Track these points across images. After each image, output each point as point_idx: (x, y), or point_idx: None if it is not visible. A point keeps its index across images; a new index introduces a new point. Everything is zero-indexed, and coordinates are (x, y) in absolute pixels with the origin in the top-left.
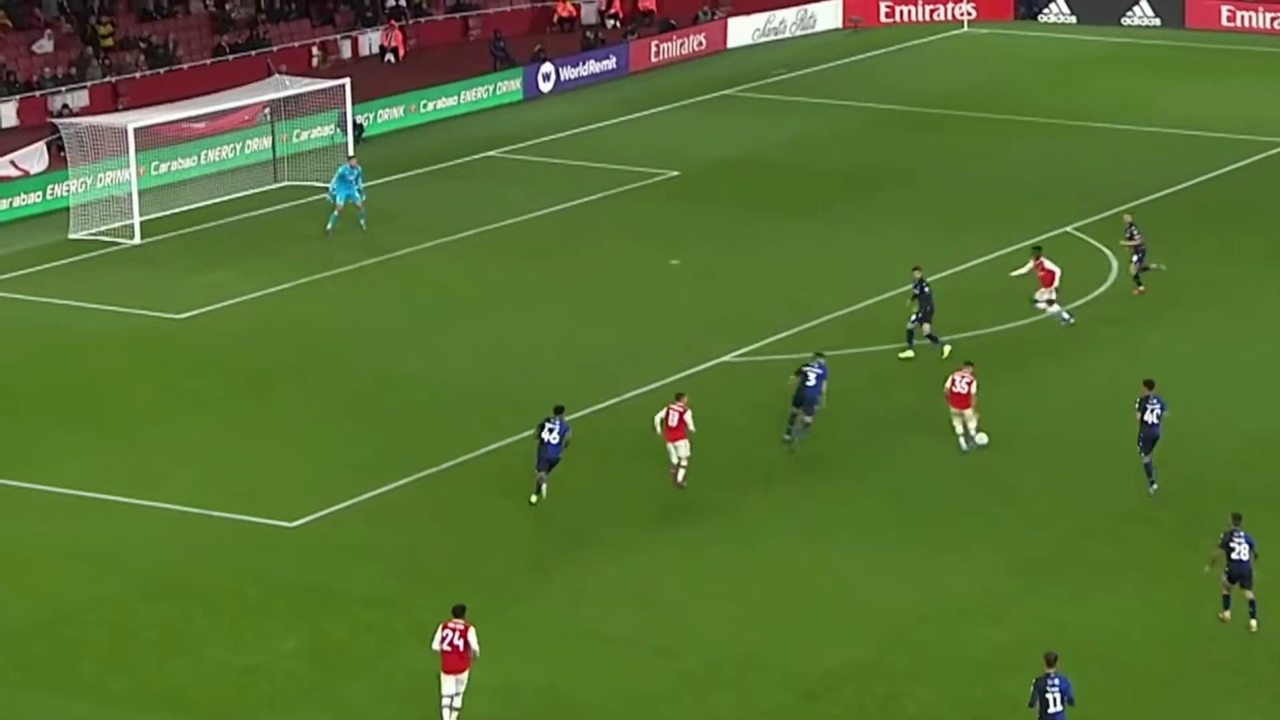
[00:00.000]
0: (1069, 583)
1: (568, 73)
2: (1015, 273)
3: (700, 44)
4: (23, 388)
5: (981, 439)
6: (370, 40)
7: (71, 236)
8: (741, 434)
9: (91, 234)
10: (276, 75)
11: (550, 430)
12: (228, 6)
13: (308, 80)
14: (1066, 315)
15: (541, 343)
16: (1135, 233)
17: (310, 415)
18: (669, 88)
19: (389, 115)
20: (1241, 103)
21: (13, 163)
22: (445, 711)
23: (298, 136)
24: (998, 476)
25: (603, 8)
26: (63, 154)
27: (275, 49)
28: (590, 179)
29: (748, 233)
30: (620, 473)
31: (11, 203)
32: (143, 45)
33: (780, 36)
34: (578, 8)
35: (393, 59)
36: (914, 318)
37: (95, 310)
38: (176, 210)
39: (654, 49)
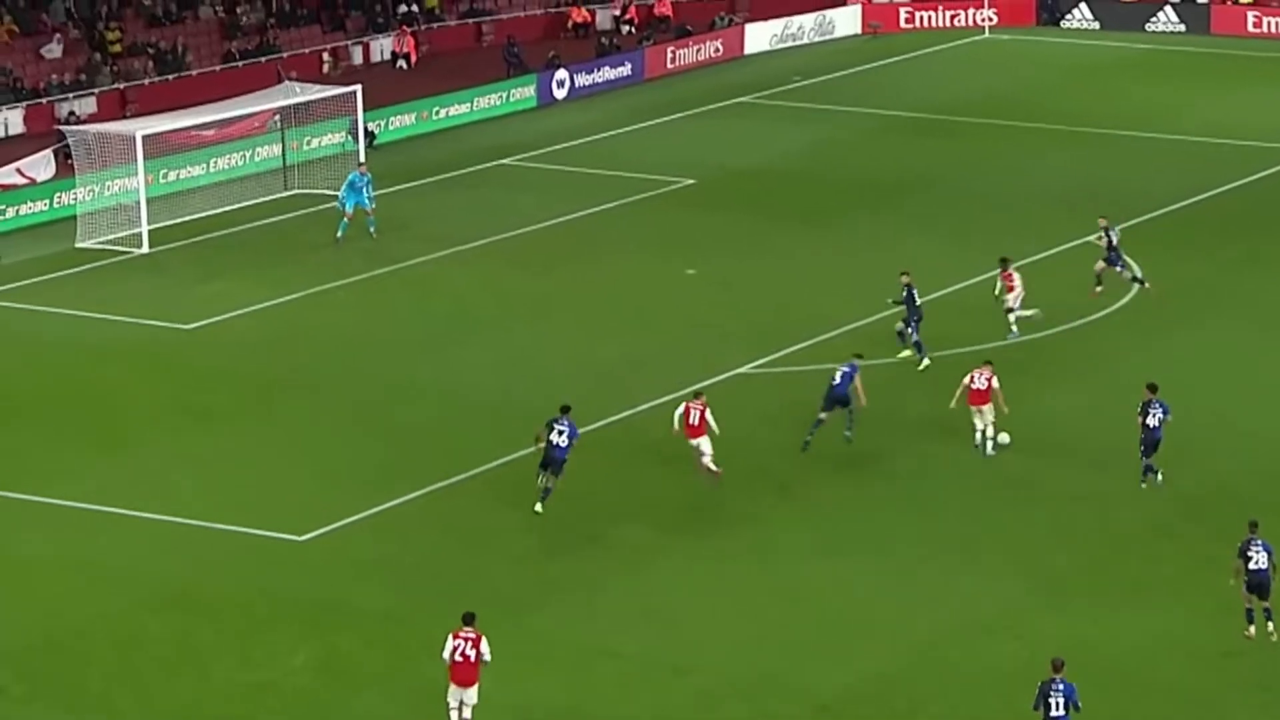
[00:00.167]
0: (1092, 599)
1: (582, 79)
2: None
3: (717, 50)
4: (28, 398)
5: (1004, 438)
6: (382, 46)
7: (78, 245)
8: (758, 446)
9: (99, 243)
10: (287, 82)
11: (560, 432)
12: (239, 11)
13: (318, 87)
14: (1014, 330)
15: (555, 353)
16: (1110, 235)
17: (320, 427)
18: (685, 94)
19: (401, 122)
20: (1267, 110)
21: (19, 170)
22: (453, 713)
23: (308, 144)
24: (1019, 489)
25: (618, 13)
26: (70, 161)
27: (285, 55)
28: (605, 187)
29: (764, 242)
30: (635, 485)
31: (18, 211)
32: (151, 51)
33: (798, 42)
34: (592, 13)
35: (405, 65)
36: (908, 324)
37: (102, 320)
38: (185, 219)
39: (670, 55)
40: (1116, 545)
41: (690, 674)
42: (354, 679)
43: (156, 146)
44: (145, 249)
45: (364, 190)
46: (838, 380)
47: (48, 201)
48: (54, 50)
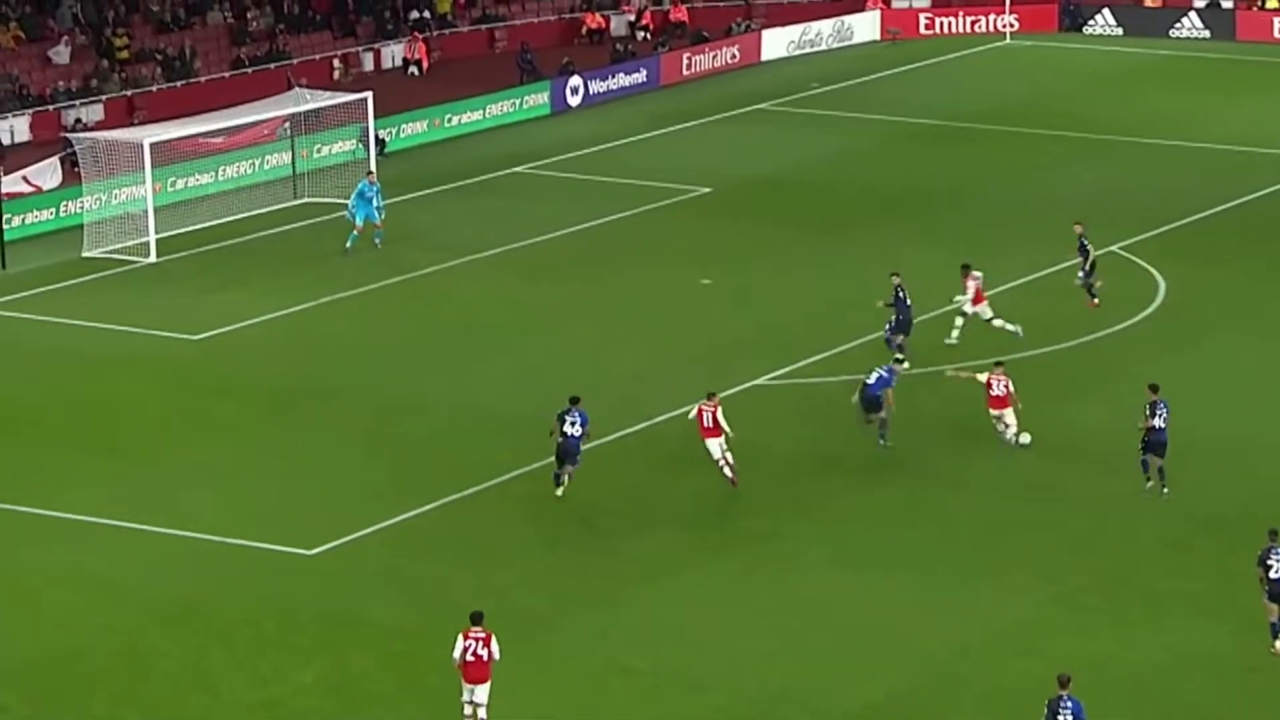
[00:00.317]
0: (1114, 614)
1: (596, 86)
2: (964, 302)
3: (733, 56)
4: (34, 410)
5: (1025, 439)
6: (393, 53)
7: (85, 254)
8: (774, 458)
9: (106, 252)
10: (296, 89)
11: (572, 423)
12: (248, 17)
13: (329, 94)
14: (955, 335)
15: (568, 364)
16: (1086, 244)
17: (330, 439)
18: (701, 102)
19: (412, 130)
20: None
21: (25, 178)
22: (467, 706)
23: (318, 152)
24: (1039, 502)
25: (633, 19)
26: (76, 169)
27: (295, 61)
28: (619, 196)
29: (781, 252)
30: (650, 499)
31: (24, 220)
32: (159, 57)
33: (816, 49)
34: (607, 19)
35: (416, 72)
36: (888, 326)
37: (109, 331)
38: (193, 228)
39: (685, 62)
40: (1137, 559)
41: (706, 690)
42: (365, 696)
43: (164, 154)
44: (153, 258)
45: (374, 200)
46: (872, 380)
47: (54, 210)
48: (61, 55)
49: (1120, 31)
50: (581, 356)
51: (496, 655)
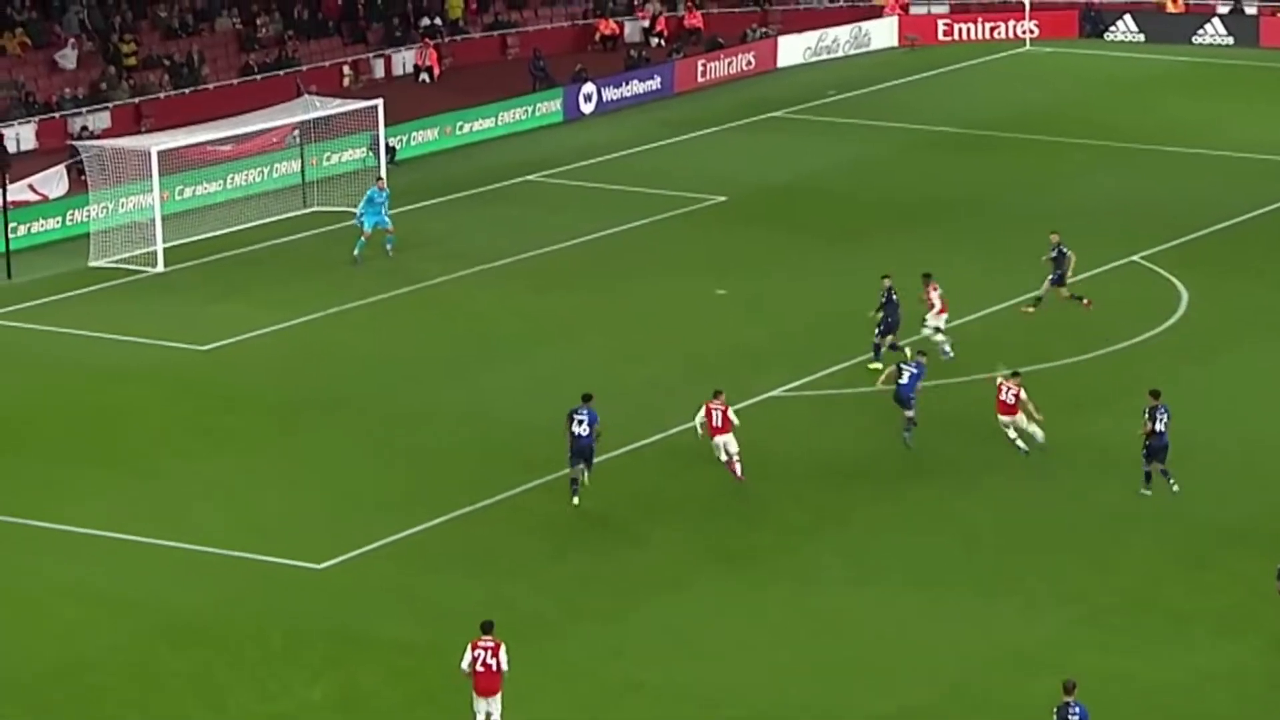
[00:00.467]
0: (1138, 632)
1: (610, 93)
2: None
3: (749, 63)
4: (40, 421)
5: (1038, 434)
6: (404, 59)
7: (92, 264)
8: (791, 471)
9: (112, 262)
10: (306, 96)
11: (580, 421)
12: (258, 23)
13: (339, 101)
14: (949, 349)
15: (581, 376)
16: (1063, 251)
17: (339, 451)
18: (716, 109)
19: (423, 138)
20: None
21: (31, 187)
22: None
23: (328, 160)
24: (1060, 517)
25: (647, 25)
26: (83, 178)
27: (305, 68)
28: (633, 204)
29: (798, 261)
30: (664, 511)
31: (30, 228)
32: (167, 64)
33: (833, 55)
34: (621, 25)
35: (427, 79)
36: (878, 330)
37: (115, 341)
38: (201, 237)
39: (700, 68)
40: (1160, 575)
41: (720, 706)
42: (373, 713)
43: (172, 162)
44: (160, 268)
45: (383, 207)
46: (905, 380)
47: (60, 219)
48: (67, 62)
49: (1142, 38)
50: (594, 367)
51: (505, 666)
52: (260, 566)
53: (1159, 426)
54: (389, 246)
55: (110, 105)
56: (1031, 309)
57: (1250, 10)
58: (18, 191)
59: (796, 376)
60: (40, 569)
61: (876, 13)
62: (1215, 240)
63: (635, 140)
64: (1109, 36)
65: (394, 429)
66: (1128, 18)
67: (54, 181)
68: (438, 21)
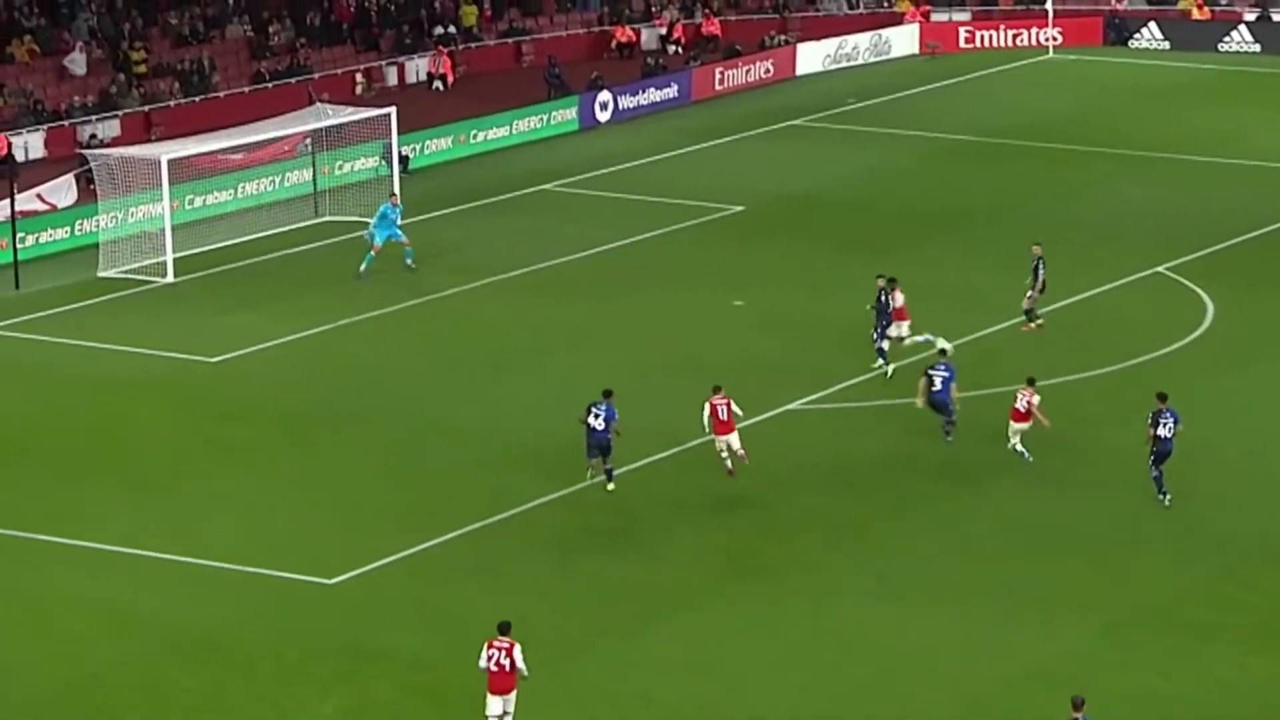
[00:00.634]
0: (1161, 649)
1: (626, 101)
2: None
3: (767, 71)
4: (48, 434)
5: (1020, 447)
6: (417, 67)
7: (101, 274)
8: (809, 486)
9: (122, 272)
10: (318, 104)
11: (597, 416)
12: (270, 30)
13: (351, 109)
14: (943, 342)
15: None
16: (1040, 265)
17: (350, 465)
18: (734, 117)
19: (437, 146)
20: None
21: (39, 196)
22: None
23: (340, 169)
24: (1083, 531)
25: (664, 32)
26: (92, 187)
27: (317, 76)
28: (650, 214)
29: (817, 272)
30: (681, 526)
31: (38, 238)
32: (178, 71)
33: (853, 63)
34: (637, 32)
35: (441, 87)
36: (876, 331)
37: (124, 353)
38: (211, 247)
39: (718, 76)
40: (1183, 590)
41: None
42: None
43: (182, 171)
44: (170, 278)
45: (395, 222)
46: (939, 386)
47: (69, 229)
48: (79, 58)
49: (1167, 45)
50: (609, 380)
51: (521, 667)
52: (272, 581)
53: (1164, 432)
54: (409, 260)
55: (120, 113)
56: (1033, 325)
57: (1277, 17)
58: (26, 201)
59: (814, 389)
60: (50, 583)
61: (897, 20)
62: (1242, 251)
63: (652, 149)
64: (1133, 44)
65: (406, 441)
66: (1152, 25)
67: (63, 191)
68: (451, 30)
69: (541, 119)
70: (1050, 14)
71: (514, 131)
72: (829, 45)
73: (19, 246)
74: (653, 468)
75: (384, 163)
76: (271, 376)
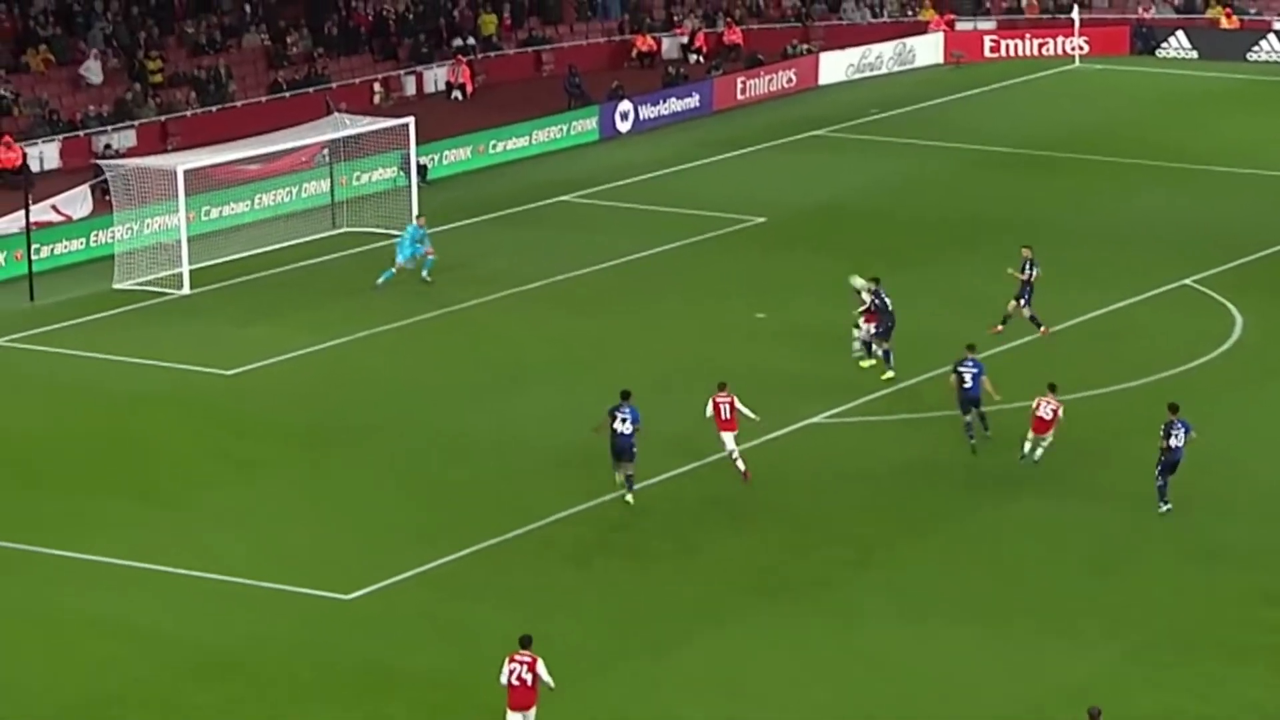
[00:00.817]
0: (1195, 670)
1: (647, 111)
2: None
3: (790, 80)
4: (63, 448)
5: (1038, 454)
6: (436, 76)
7: (116, 286)
8: (832, 502)
9: (137, 284)
10: (336, 114)
11: (623, 420)
12: (288, 40)
13: (369, 119)
14: (858, 347)
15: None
16: (1030, 268)
17: (368, 479)
18: (756, 127)
19: (455, 156)
20: None
21: (54, 207)
22: None
23: (358, 179)
24: (1111, 549)
25: (685, 41)
26: (107, 198)
27: (334, 85)
28: (670, 225)
29: (839, 284)
30: (703, 542)
31: (53, 250)
32: (195, 79)
33: (876, 73)
34: (658, 41)
35: (460, 96)
36: (874, 332)
37: (140, 366)
38: (228, 258)
39: (740, 86)
40: (1214, 610)
41: None
42: None
43: (199, 182)
44: (186, 290)
45: (420, 243)
46: (969, 383)
47: (84, 240)
48: (94, 66)
49: (1195, 54)
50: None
51: (547, 679)
52: (287, 597)
53: (1174, 442)
54: (426, 274)
55: (136, 123)
56: (1044, 328)
57: None
58: (41, 212)
59: (837, 402)
60: (63, 600)
61: (921, 29)
62: (1271, 263)
63: (673, 160)
64: (1161, 53)
65: (424, 455)
66: (1180, 34)
67: (78, 202)
68: (469, 41)
69: (561, 129)
70: (1076, 23)
71: (533, 142)
72: (852, 54)
73: (33, 258)
74: (673, 481)
75: (402, 173)
76: (288, 389)
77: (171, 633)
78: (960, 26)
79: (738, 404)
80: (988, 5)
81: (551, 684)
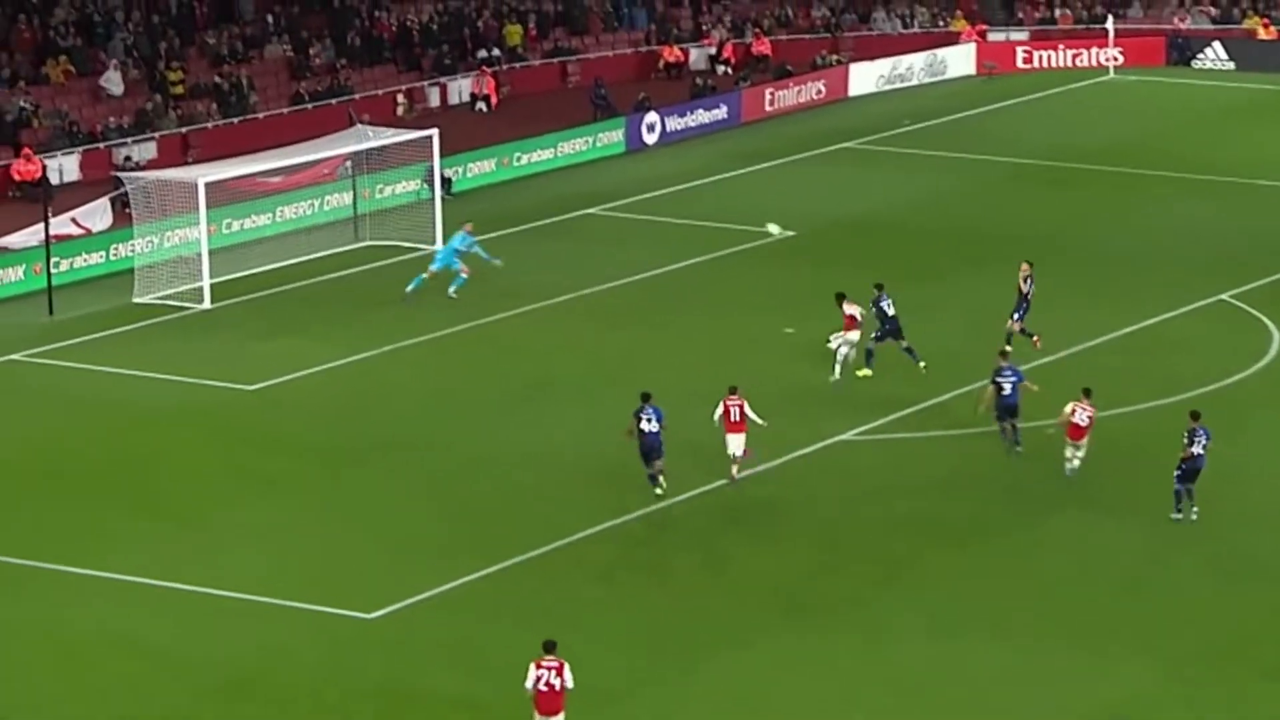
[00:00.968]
0: (1229, 688)
1: (674, 123)
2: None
3: (819, 92)
4: (82, 464)
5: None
6: (460, 87)
7: (136, 300)
8: (861, 519)
9: (158, 297)
10: (359, 125)
11: (649, 419)
12: (310, 51)
13: (392, 131)
14: (846, 353)
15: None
16: (1028, 285)
17: (391, 495)
18: (784, 139)
19: (480, 169)
20: None
21: (74, 220)
22: None
23: (381, 192)
24: (1145, 565)
25: (713, 52)
26: (128, 211)
27: (357, 96)
28: (698, 239)
29: (869, 299)
30: (730, 559)
31: (72, 263)
32: (216, 91)
33: (907, 84)
34: (686, 52)
35: (484, 108)
36: (874, 335)
37: (161, 381)
38: (249, 272)
39: (768, 97)
40: (1248, 628)
41: None
42: None
43: (220, 194)
44: (207, 304)
45: (473, 248)
46: (1008, 391)
47: (104, 253)
48: (112, 86)
49: (1232, 66)
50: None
51: (570, 685)
52: (309, 616)
53: (1197, 449)
54: (452, 289)
55: (156, 135)
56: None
57: None
58: (60, 225)
59: (867, 419)
60: (80, 618)
61: (953, 39)
62: None
63: (700, 172)
64: (1197, 64)
65: (449, 471)
66: (1217, 45)
67: (97, 215)
68: (494, 52)
69: (587, 141)
70: (1111, 34)
71: (559, 154)
72: (883, 65)
73: (53, 271)
74: (700, 499)
75: (426, 186)
76: (311, 404)
77: (190, 652)
78: (992, 37)
79: (747, 408)
80: (1020, 15)
81: (571, 686)
